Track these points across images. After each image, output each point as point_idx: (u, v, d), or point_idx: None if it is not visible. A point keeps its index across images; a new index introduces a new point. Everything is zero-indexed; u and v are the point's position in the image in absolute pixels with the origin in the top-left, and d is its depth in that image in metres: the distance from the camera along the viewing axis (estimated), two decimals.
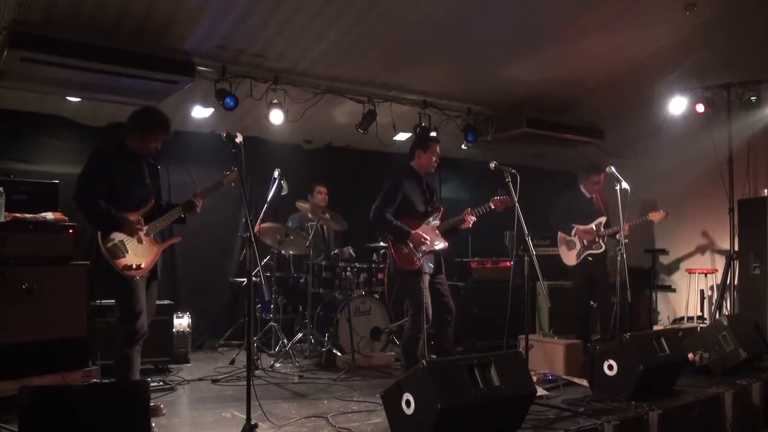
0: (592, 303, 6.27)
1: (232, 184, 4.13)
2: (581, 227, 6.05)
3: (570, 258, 6.13)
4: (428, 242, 4.72)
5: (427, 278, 4.69)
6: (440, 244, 4.85)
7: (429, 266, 4.77)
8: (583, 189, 6.24)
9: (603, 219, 6.00)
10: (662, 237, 8.24)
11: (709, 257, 7.76)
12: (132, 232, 3.75)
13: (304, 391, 4.66)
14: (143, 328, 3.78)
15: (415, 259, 4.69)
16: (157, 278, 4.04)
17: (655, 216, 5.83)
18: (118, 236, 3.72)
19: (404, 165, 5.09)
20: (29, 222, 4.24)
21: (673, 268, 8.23)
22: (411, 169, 5.00)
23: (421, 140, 5.20)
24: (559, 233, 6.21)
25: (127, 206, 3.81)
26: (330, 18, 4.93)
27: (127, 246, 3.74)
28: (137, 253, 3.78)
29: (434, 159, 4.96)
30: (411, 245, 4.70)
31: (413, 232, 4.71)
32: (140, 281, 3.81)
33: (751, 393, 4.55)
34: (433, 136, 5.19)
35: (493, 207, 4.85)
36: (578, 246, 6.05)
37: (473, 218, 4.88)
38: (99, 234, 3.71)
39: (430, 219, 4.89)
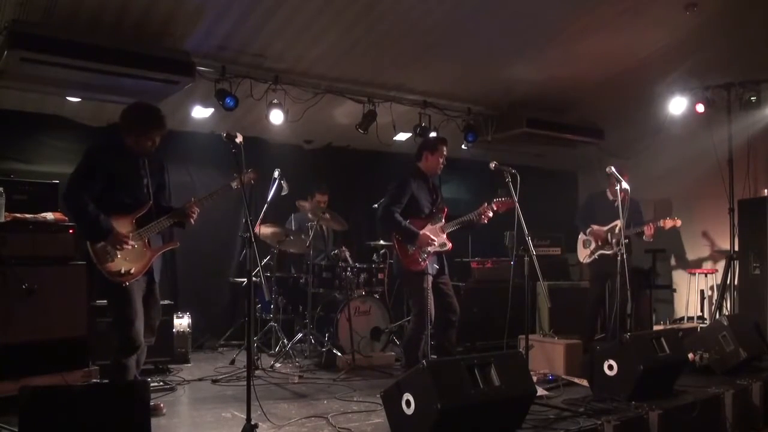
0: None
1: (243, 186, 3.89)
2: (595, 227, 6.16)
3: (583, 255, 6.32)
4: (435, 243, 4.74)
5: (430, 279, 4.70)
6: (445, 246, 4.88)
7: (434, 267, 4.78)
8: (608, 192, 6.29)
9: (618, 223, 6.02)
10: (662, 237, 8.21)
11: (709, 257, 7.76)
12: (116, 245, 3.55)
13: (304, 391, 4.66)
14: (139, 337, 3.60)
15: (420, 259, 4.70)
16: (155, 281, 3.87)
17: (667, 223, 5.86)
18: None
19: (409, 165, 5.09)
20: (29, 222, 4.24)
21: (673, 268, 8.23)
22: (418, 170, 5.00)
23: (429, 141, 5.17)
24: (581, 232, 6.39)
25: (121, 208, 3.65)
26: (330, 18, 4.94)
27: (116, 250, 3.59)
28: (127, 258, 3.61)
29: (441, 161, 4.96)
30: (417, 246, 4.71)
31: (421, 233, 4.72)
32: (134, 286, 3.64)
33: (751, 393, 4.55)
34: (441, 138, 5.19)
35: (495, 209, 4.86)
36: (592, 245, 6.19)
37: (491, 213, 4.88)
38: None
39: (435, 220, 4.90)
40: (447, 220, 4.95)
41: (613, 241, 5.99)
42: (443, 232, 4.89)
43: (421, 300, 4.63)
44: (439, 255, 4.88)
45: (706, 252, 7.79)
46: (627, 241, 5.34)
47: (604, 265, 6.02)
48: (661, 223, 5.84)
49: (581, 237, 6.36)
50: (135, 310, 3.61)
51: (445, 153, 4.96)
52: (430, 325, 4.65)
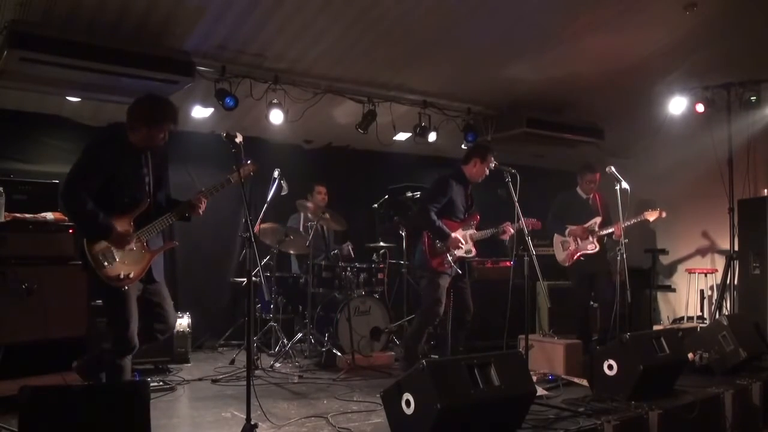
0: (592, 303, 6.27)
1: (242, 180, 3.70)
2: (574, 227, 6.05)
3: (563, 258, 6.15)
4: (462, 248, 4.83)
5: (448, 279, 4.76)
6: (471, 252, 5.01)
7: (455, 270, 4.88)
8: (579, 190, 6.25)
9: (597, 219, 6.01)
10: (662, 237, 8.24)
11: (709, 257, 7.77)
12: (119, 243, 3.41)
13: (304, 391, 4.66)
14: (134, 338, 3.50)
15: (445, 262, 4.80)
16: (156, 281, 3.71)
17: (651, 215, 5.78)
18: (104, 243, 3.41)
19: (454, 167, 5.15)
20: (29, 222, 4.24)
21: (673, 268, 8.23)
22: (461, 173, 5.05)
23: (480, 148, 5.14)
24: (555, 234, 6.23)
25: (118, 206, 3.47)
26: (330, 18, 4.94)
27: (114, 254, 3.42)
28: (126, 262, 3.46)
29: (486, 171, 4.99)
30: (447, 247, 4.80)
31: (453, 235, 4.82)
32: (131, 289, 3.52)
33: (751, 393, 4.56)
34: (491, 147, 5.18)
35: (530, 228, 4.84)
36: (572, 246, 6.07)
37: (512, 231, 4.93)
38: (84, 239, 3.41)
39: (467, 226, 5.02)
40: (478, 229, 5.09)
41: (594, 239, 5.96)
42: (472, 239, 5.01)
43: (433, 296, 4.72)
44: (462, 260, 4.98)
45: (706, 252, 7.79)
46: (627, 241, 5.32)
47: (587, 265, 5.98)
48: (644, 215, 5.77)
49: (558, 239, 6.19)
50: (131, 312, 3.50)
51: (492, 164, 4.94)
52: (447, 323, 4.74)
